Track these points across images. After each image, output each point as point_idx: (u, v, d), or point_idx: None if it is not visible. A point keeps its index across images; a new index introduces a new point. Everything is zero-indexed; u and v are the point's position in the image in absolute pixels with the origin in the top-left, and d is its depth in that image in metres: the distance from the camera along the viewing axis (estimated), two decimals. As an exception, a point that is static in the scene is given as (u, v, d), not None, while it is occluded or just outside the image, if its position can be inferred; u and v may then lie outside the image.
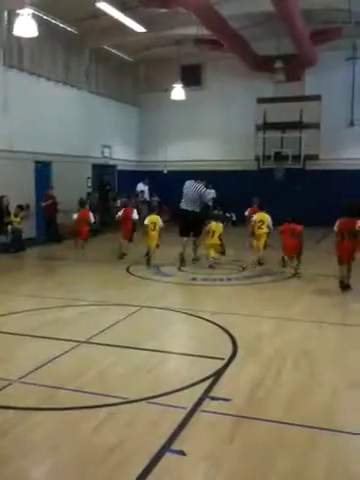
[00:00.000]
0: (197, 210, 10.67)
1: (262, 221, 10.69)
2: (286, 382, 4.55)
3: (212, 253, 10.27)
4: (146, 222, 10.88)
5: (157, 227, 10.73)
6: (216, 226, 10.29)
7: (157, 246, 10.72)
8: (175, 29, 15.35)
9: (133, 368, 4.86)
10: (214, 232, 10.17)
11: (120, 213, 11.81)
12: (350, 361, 5.17)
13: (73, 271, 10.34)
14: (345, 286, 8.15)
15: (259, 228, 10.67)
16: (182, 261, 10.27)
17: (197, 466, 3.23)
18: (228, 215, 16.38)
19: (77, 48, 16.07)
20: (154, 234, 10.68)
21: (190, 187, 10.75)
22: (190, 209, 10.61)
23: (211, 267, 10.11)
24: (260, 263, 10.45)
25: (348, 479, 3.13)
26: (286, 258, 9.69)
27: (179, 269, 10.04)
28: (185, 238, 10.55)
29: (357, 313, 6.94)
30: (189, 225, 10.53)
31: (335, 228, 8.35)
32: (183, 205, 10.73)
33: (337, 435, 3.62)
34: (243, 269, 10.19)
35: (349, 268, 8.22)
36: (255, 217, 10.94)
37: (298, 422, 3.78)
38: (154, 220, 10.86)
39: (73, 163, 15.82)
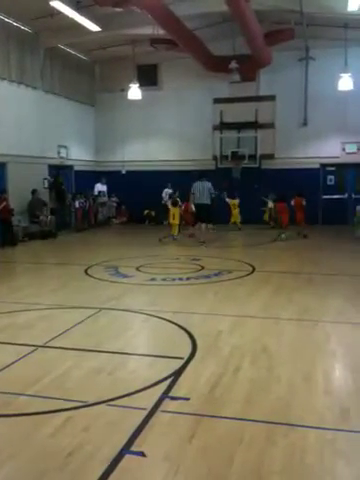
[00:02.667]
0: (209, 203, 13.99)
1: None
2: (244, 379, 4.62)
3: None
4: None
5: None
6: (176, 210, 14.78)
7: None
8: (131, 28, 15.32)
9: (92, 371, 4.83)
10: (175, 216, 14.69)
11: None
12: (306, 356, 5.29)
13: (29, 274, 10.19)
14: (304, 236, 14.64)
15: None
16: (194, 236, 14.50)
17: (157, 466, 3.24)
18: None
19: (32, 47, 15.79)
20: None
21: (200, 186, 14.00)
22: (204, 202, 13.89)
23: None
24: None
25: (304, 470, 3.21)
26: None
27: (201, 243, 13.53)
28: (203, 225, 14.19)
29: (312, 309, 7.10)
30: (204, 214, 14.06)
31: (292, 203, 14.92)
32: (198, 200, 14.02)
33: (294, 429, 3.70)
34: (202, 268, 10.27)
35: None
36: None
37: (256, 418, 3.85)
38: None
39: (29, 164, 15.55)
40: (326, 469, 3.23)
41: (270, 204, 16.68)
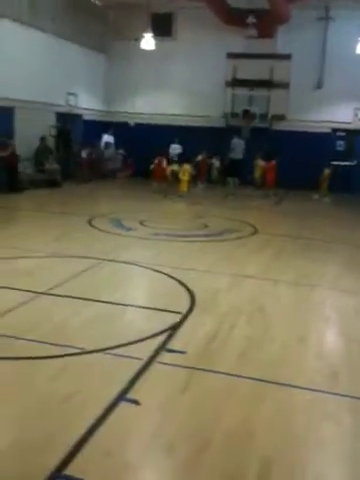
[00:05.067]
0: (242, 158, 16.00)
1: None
2: (239, 336, 4.73)
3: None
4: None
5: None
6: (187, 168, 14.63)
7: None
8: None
9: (91, 320, 4.94)
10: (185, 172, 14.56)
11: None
12: (301, 318, 5.39)
13: (32, 222, 10.24)
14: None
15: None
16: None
17: (151, 415, 3.36)
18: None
19: (43, -12, 15.30)
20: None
21: (238, 142, 16.01)
22: (239, 158, 15.91)
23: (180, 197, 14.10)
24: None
25: (291, 429, 3.32)
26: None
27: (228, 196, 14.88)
28: (233, 179, 16.00)
29: (310, 274, 7.16)
30: (235, 169, 15.92)
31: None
32: (234, 155, 15.99)
33: (283, 388, 3.82)
34: (205, 226, 10.30)
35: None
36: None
37: (248, 375, 3.96)
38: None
39: (36, 110, 15.32)
40: (312, 429, 3.34)
41: (261, 162, 16.30)
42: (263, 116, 17.88)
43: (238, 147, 15.92)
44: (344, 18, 16.74)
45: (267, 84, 17.90)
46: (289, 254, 8.31)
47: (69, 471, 2.74)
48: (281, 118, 17.91)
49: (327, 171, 16.10)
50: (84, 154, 17.12)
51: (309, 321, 5.35)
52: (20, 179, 13.92)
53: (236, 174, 16.00)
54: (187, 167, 14.77)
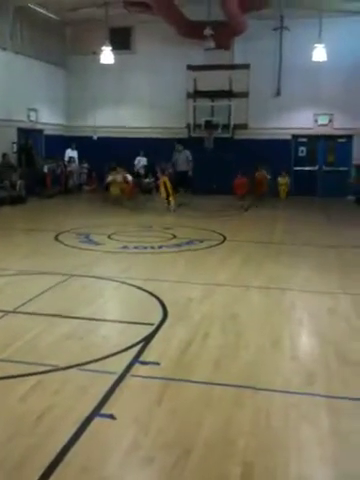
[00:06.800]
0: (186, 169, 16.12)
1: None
2: (213, 345, 4.71)
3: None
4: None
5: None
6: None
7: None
8: (103, -11, 14.84)
9: (63, 336, 4.84)
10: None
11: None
12: (274, 322, 5.41)
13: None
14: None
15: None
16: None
17: (127, 428, 3.30)
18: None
19: (0, 6, 15.16)
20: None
21: (180, 155, 16.15)
22: (183, 169, 16.09)
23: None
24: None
25: (270, 433, 3.31)
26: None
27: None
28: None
29: (281, 277, 7.23)
30: (184, 180, 15.88)
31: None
32: (178, 168, 16.08)
33: (260, 393, 3.81)
34: (173, 237, 10.29)
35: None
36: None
37: (224, 382, 3.94)
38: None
39: (-3, 127, 15.13)
40: (291, 431, 3.34)
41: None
42: (225, 126, 18.07)
43: (180, 160, 16.17)
44: (299, 27, 17.08)
45: (227, 94, 18.14)
46: (258, 259, 8.36)
47: (46, 491, 2.66)
48: (243, 127, 18.11)
49: (281, 178, 17.16)
50: (46, 169, 16.95)
51: (282, 324, 5.38)
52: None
53: (182, 185, 15.92)
54: (165, 178, 14.25)
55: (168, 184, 14.00)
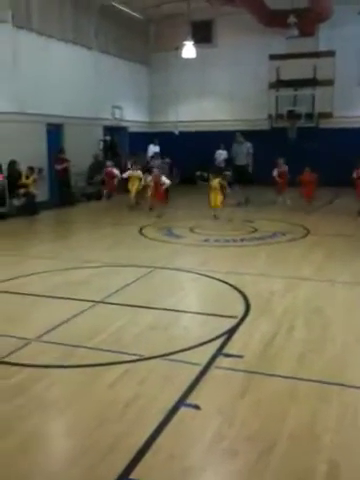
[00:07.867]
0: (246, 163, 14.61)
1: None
2: (297, 338, 4.64)
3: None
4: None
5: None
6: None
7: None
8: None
9: (148, 327, 4.97)
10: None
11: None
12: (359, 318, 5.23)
13: (85, 234, 10.45)
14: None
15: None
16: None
17: (211, 419, 3.34)
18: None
19: (86, 6, 15.71)
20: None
21: (239, 148, 14.66)
22: (242, 164, 14.55)
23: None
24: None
25: (357, 431, 3.22)
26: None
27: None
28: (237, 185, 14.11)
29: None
30: (244, 174, 14.38)
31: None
32: (237, 162, 14.63)
33: (347, 389, 3.71)
34: (255, 230, 10.20)
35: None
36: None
37: (309, 377, 3.88)
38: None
39: (84, 126, 15.71)
40: (380, 430, 3.23)
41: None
42: (309, 115, 17.60)
43: (240, 153, 14.65)
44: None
45: (311, 83, 17.64)
46: (343, 253, 8.10)
47: (135, 475, 2.76)
48: (328, 116, 17.55)
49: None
50: (129, 166, 17.35)
51: (369, 320, 5.18)
52: (72, 192, 14.34)
53: (242, 180, 14.25)
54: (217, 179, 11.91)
55: (217, 185, 11.73)
